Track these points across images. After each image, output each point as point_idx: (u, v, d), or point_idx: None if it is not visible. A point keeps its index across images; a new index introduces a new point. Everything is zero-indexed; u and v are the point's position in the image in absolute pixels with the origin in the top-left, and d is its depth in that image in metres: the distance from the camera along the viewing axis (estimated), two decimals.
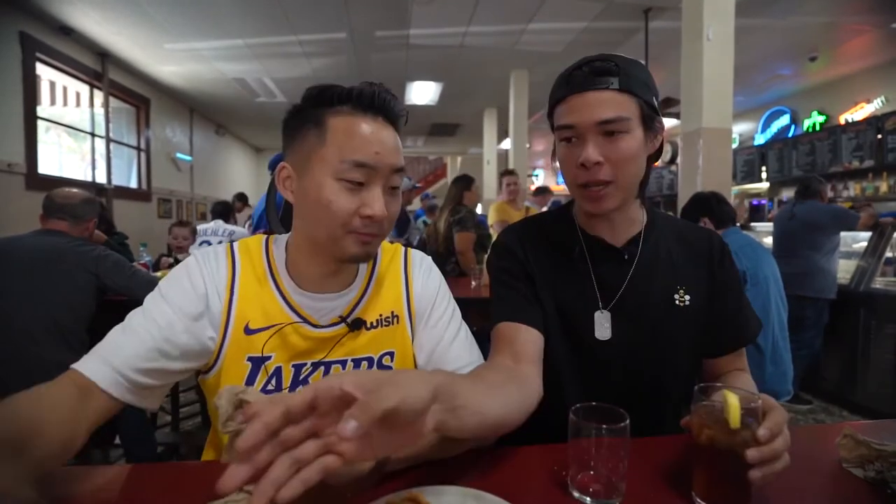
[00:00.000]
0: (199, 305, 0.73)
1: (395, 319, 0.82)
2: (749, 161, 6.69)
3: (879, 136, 5.05)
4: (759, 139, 6.87)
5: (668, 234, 0.93)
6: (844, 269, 3.22)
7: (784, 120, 6.60)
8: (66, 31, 4.57)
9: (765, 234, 3.86)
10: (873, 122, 5.15)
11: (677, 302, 0.88)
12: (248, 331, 0.75)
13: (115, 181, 5.50)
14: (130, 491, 0.61)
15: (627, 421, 0.60)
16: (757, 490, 0.57)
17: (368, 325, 0.80)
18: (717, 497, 0.57)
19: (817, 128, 6.01)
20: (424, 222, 4.48)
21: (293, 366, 0.76)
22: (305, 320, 0.76)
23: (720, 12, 3.06)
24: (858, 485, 0.63)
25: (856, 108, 5.66)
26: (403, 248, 0.89)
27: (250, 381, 0.74)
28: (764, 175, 6.46)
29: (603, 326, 0.88)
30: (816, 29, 4.53)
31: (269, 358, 0.75)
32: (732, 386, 0.62)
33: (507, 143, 7.17)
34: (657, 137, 0.83)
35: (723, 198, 2.28)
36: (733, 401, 0.57)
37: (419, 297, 0.84)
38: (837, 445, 0.67)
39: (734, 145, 7.13)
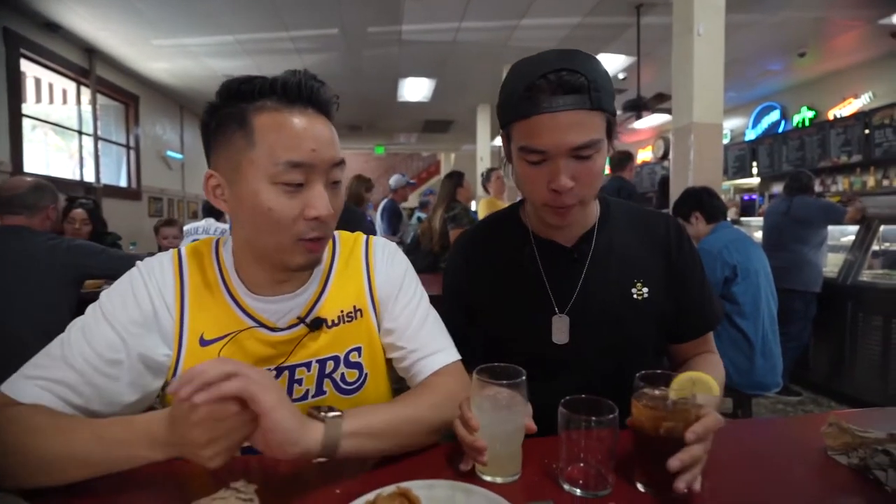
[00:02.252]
0: (145, 323, 0.69)
1: (359, 313, 0.78)
2: (740, 156, 6.74)
3: (867, 132, 5.11)
4: (750, 134, 6.92)
5: (623, 224, 0.91)
6: (833, 263, 3.26)
7: (774, 115, 6.65)
8: (52, 28, 4.50)
9: (756, 228, 3.89)
10: (861, 117, 5.21)
11: (635, 296, 0.86)
12: (204, 342, 0.71)
13: (105, 180, 5.45)
14: (115, 486, 0.60)
15: (616, 412, 0.60)
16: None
17: (329, 324, 0.76)
18: (654, 481, 0.60)
19: (807, 123, 6.06)
20: (419, 219, 4.48)
21: None
22: (262, 324, 0.73)
23: (711, 7, 3.07)
24: (842, 472, 0.64)
25: (844, 104, 5.71)
26: (365, 238, 0.84)
27: None
28: (755, 170, 6.51)
29: (560, 331, 0.86)
30: (805, 24, 4.56)
31: None
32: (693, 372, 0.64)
33: (500, 140, 7.16)
34: (613, 141, 0.81)
35: (714, 192, 2.29)
36: (681, 378, 0.62)
37: (382, 287, 0.80)
38: (823, 434, 0.68)
39: (726, 141, 7.17)
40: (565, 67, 0.73)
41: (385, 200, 4.63)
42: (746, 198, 6.20)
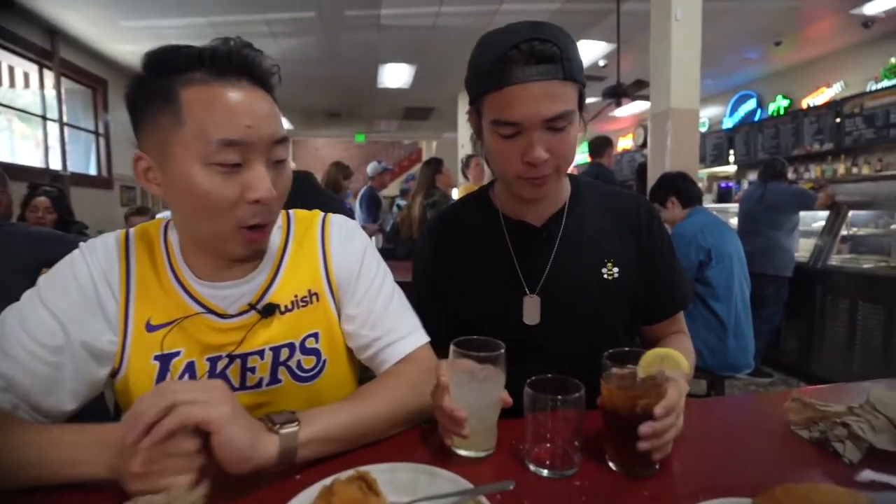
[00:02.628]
0: (88, 308, 0.65)
1: (315, 298, 0.75)
2: (718, 144, 6.84)
3: (838, 120, 5.22)
4: (728, 123, 7.01)
5: (593, 204, 0.91)
6: (804, 248, 3.34)
7: (751, 104, 6.75)
8: (9, 5, 4.28)
9: (732, 215, 3.96)
10: (833, 106, 5.32)
11: (605, 276, 0.86)
12: (151, 327, 0.68)
13: (73, 168, 5.25)
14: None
15: (582, 391, 0.60)
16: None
17: (283, 309, 0.72)
18: (626, 461, 0.60)
19: (781, 112, 6.16)
20: (398, 207, 4.45)
21: (207, 360, 0.69)
22: (211, 311, 0.69)
23: None
24: (803, 445, 0.65)
25: (817, 93, 5.82)
26: (322, 216, 0.80)
27: (160, 380, 0.68)
28: (732, 158, 6.62)
29: (531, 311, 0.86)
30: (781, 13, 4.61)
31: (177, 354, 0.68)
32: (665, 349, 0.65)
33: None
34: (584, 113, 0.81)
35: (689, 177, 2.32)
36: (650, 355, 0.62)
37: (340, 269, 0.76)
38: (786, 409, 0.69)
39: (703, 129, 7.27)
40: (536, 37, 0.72)
41: (363, 188, 4.58)
42: (724, 185, 6.30)
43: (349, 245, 0.79)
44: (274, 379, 0.73)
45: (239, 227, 0.63)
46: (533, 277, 0.87)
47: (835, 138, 5.27)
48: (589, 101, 0.87)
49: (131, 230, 0.73)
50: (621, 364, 0.63)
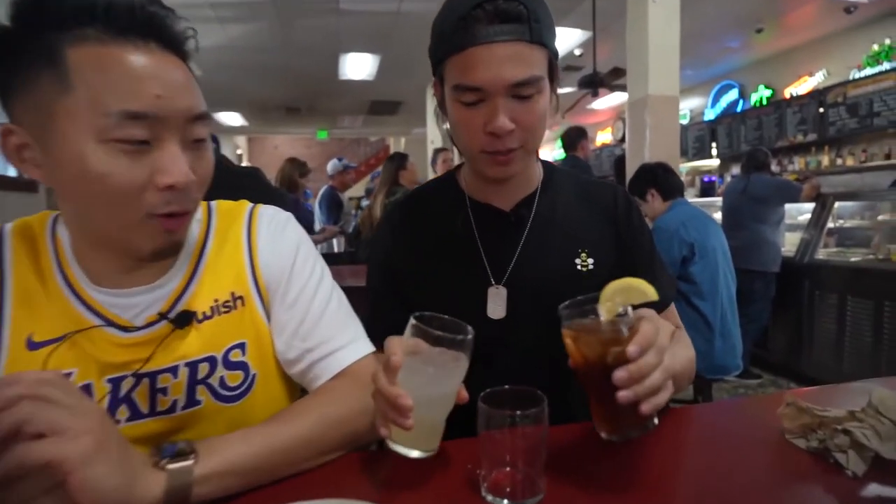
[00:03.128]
0: None
1: (240, 302, 0.69)
2: (700, 137, 6.99)
3: (821, 110, 5.39)
4: (710, 114, 7.18)
5: (567, 190, 0.90)
6: (790, 243, 3.41)
7: (733, 94, 6.93)
8: None
9: (716, 209, 4.02)
10: (815, 95, 5.49)
11: (579, 267, 0.84)
12: (33, 345, 0.60)
13: None
14: None
15: (545, 403, 0.54)
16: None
17: (201, 317, 0.66)
18: (616, 425, 0.56)
19: (764, 102, 6.34)
20: (361, 208, 4.37)
21: (108, 381, 0.62)
22: (112, 323, 0.62)
23: None
24: (801, 456, 0.61)
25: (799, 82, 6.01)
26: (249, 206, 0.75)
27: None
28: (714, 151, 6.77)
29: (497, 304, 0.83)
30: None
31: (68, 376, 0.60)
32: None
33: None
34: (556, 87, 0.79)
35: (669, 168, 2.31)
36: (608, 292, 0.57)
37: (268, 268, 0.70)
38: (780, 415, 0.65)
39: (685, 121, 7.43)
40: None
41: (324, 188, 4.48)
42: (706, 179, 6.43)
43: (280, 240, 0.73)
44: (191, 401, 0.66)
45: (149, 215, 0.56)
46: (499, 267, 0.84)
47: (818, 129, 5.44)
48: (565, 91, 0.84)
49: (6, 226, 0.64)
50: (581, 312, 0.59)
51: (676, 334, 0.86)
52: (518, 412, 0.53)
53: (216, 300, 0.67)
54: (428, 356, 0.56)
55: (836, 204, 3.17)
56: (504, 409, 0.53)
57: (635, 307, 0.57)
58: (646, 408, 0.51)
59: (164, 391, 0.64)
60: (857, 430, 0.57)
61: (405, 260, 0.88)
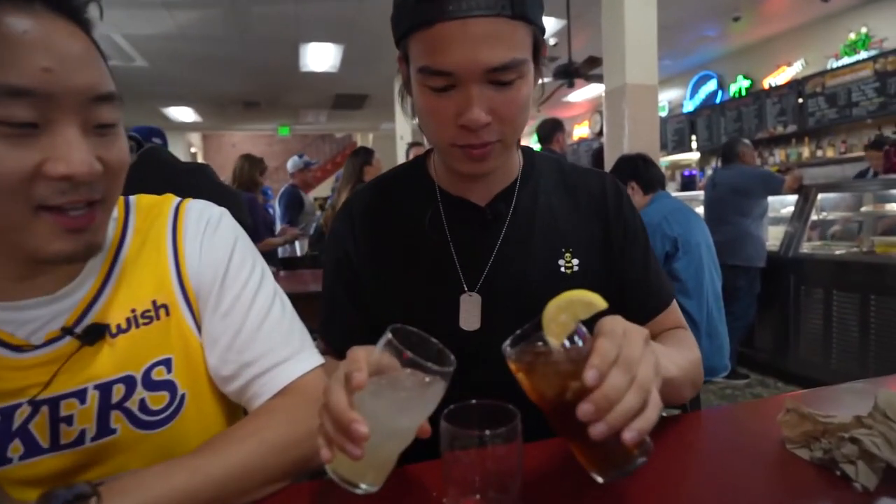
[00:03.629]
0: None
1: (164, 311, 0.63)
2: (679, 129, 7.13)
3: (800, 101, 5.55)
4: (689, 106, 7.33)
5: (550, 181, 0.84)
6: (774, 237, 3.47)
7: (712, 85, 7.09)
8: None
9: (698, 204, 4.08)
10: (794, 86, 5.66)
11: (563, 269, 0.79)
12: None
13: None
14: None
15: (517, 419, 0.49)
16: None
17: (115, 331, 0.60)
18: (602, 463, 0.48)
19: (743, 93, 6.50)
20: (324, 208, 4.28)
21: None
22: (2, 343, 0.56)
23: None
24: (804, 469, 0.58)
25: (778, 72, 6.18)
26: (175, 202, 0.68)
27: None
28: (694, 144, 6.91)
29: (470, 314, 0.77)
30: None
31: None
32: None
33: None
34: (541, 69, 0.73)
35: (650, 159, 2.31)
36: (550, 313, 0.50)
37: (198, 272, 0.64)
38: (780, 423, 0.62)
39: (664, 113, 7.56)
40: None
41: (284, 186, 4.37)
42: (687, 174, 6.55)
43: (212, 239, 0.66)
44: (104, 429, 0.59)
45: (41, 208, 0.49)
46: (473, 270, 0.78)
47: (798, 120, 5.60)
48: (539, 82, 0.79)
49: None
50: (526, 343, 0.51)
51: (676, 335, 0.82)
52: (487, 431, 0.48)
53: (134, 310, 0.61)
54: (397, 380, 0.50)
55: (820, 196, 3.23)
56: (471, 428, 0.48)
57: (590, 323, 0.50)
58: (628, 436, 0.43)
59: (68, 420, 0.57)
60: (866, 437, 0.53)
61: (366, 259, 0.81)
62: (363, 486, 0.49)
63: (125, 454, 0.60)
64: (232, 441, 0.56)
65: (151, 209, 0.67)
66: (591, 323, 0.50)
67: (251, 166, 3.40)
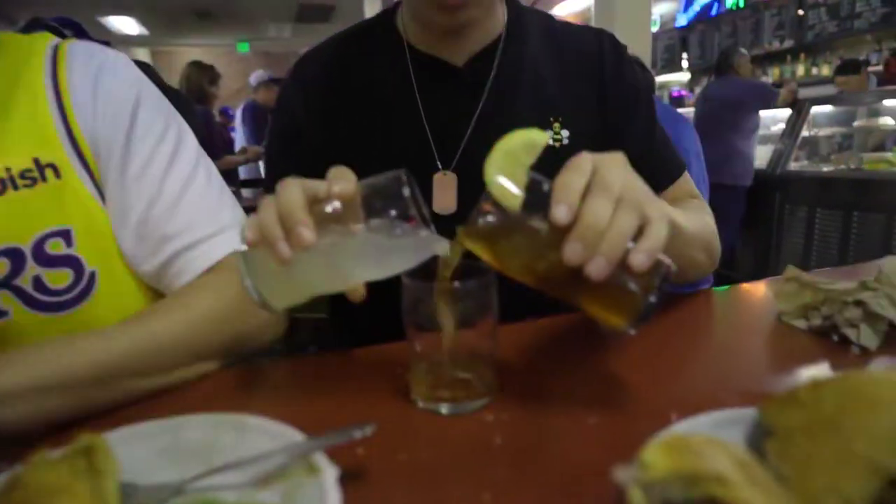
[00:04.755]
0: None
1: (50, 173, 0.54)
2: (670, 46, 6.93)
3: (801, 12, 5.39)
4: (682, 20, 7.08)
5: (538, 40, 0.76)
6: (761, 157, 3.46)
7: None
8: None
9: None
10: None
11: (551, 141, 0.72)
12: None
13: None
14: None
15: (491, 275, 0.44)
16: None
17: None
18: (619, 309, 0.41)
19: (741, 4, 6.28)
20: None
21: None
22: None
23: None
24: (800, 337, 0.56)
25: None
26: (53, 41, 0.59)
27: None
28: (685, 63, 6.74)
29: (445, 195, 0.71)
30: None
31: None
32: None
33: None
34: None
35: (642, 63, 2.21)
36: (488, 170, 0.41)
37: (93, 127, 0.56)
38: (776, 295, 0.60)
39: (654, 28, 7.30)
40: None
41: (245, 101, 4.16)
42: (675, 94, 6.43)
43: (109, 86, 0.57)
44: None
45: None
46: (448, 144, 0.71)
47: (796, 34, 5.47)
48: None
49: None
50: (477, 214, 0.42)
51: (689, 204, 0.76)
52: (458, 284, 0.44)
53: (8, 169, 0.53)
54: (381, 224, 0.43)
55: (813, 110, 3.20)
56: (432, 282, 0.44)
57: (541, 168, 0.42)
58: (637, 260, 0.37)
59: None
60: (871, 299, 0.51)
61: (319, 132, 0.73)
62: (265, 298, 0.43)
63: (25, 340, 0.54)
64: (155, 313, 0.52)
65: (14, 47, 0.57)
66: None
67: (198, 73, 3.15)
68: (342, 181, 0.41)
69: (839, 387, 0.30)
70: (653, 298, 0.39)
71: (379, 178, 0.43)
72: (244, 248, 0.42)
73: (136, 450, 0.37)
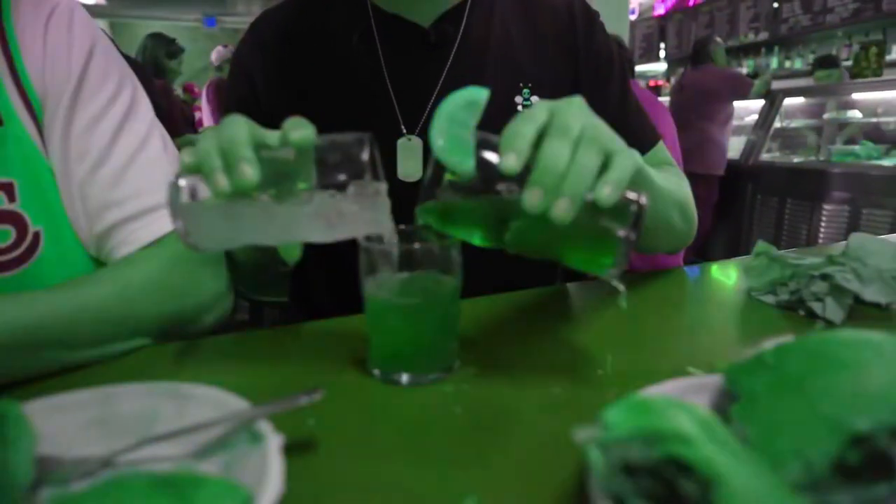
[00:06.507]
0: None
1: None
2: (648, 35, 7.00)
3: (776, 5, 5.49)
4: (660, 9, 7.14)
5: (508, 3, 0.74)
6: (734, 148, 3.52)
7: None
8: None
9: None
10: None
11: (520, 108, 0.71)
12: None
13: None
14: None
15: (455, 243, 0.43)
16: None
17: None
18: (601, 248, 0.40)
19: None
20: None
21: None
22: None
23: None
24: (768, 312, 0.57)
25: None
26: None
27: None
28: (662, 53, 6.82)
29: (409, 162, 0.69)
30: None
31: None
32: None
33: None
34: None
35: (622, 43, 2.22)
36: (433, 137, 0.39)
37: (41, 74, 0.53)
38: (746, 269, 0.60)
39: (633, 17, 7.35)
40: None
41: (210, 79, 4.03)
42: (652, 83, 6.51)
43: (59, 32, 0.54)
44: None
45: None
46: (413, 108, 0.69)
47: (771, 26, 5.58)
48: None
49: None
50: (430, 182, 0.41)
51: (665, 170, 0.75)
52: (418, 244, 0.42)
53: None
54: (335, 184, 0.40)
55: (786, 101, 3.26)
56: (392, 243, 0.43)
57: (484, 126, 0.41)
58: (604, 192, 0.35)
59: None
60: (838, 273, 0.51)
61: (278, 96, 0.71)
62: (196, 239, 0.41)
63: None
64: (86, 281, 0.50)
65: None
66: None
67: (154, 45, 3.00)
68: (301, 129, 0.39)
69: (804, 349, 0.29)
70: (627, 234, 0.38)
71: (339, 136, 0.41)
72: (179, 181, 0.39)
73: (61, 421, 0.34)
